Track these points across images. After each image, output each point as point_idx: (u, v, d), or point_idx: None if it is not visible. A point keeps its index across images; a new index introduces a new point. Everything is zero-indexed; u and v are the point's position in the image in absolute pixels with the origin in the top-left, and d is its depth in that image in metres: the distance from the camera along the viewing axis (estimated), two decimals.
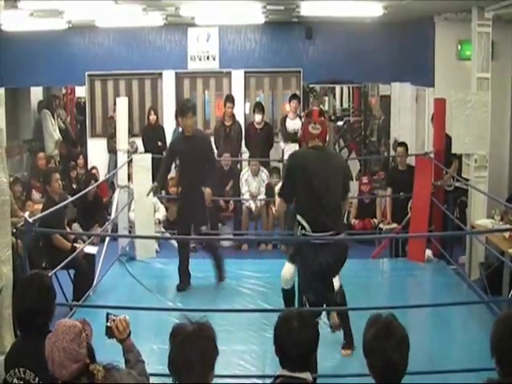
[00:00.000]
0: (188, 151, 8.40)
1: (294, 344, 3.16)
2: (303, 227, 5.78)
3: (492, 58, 9.38)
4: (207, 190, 8.50)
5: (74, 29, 12.26)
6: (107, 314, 3.70)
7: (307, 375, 3.21)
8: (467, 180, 9.28)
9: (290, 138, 11.75)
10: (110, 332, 3.64)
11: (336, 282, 6.05)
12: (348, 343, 6.43)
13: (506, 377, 3.11)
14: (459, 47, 11.27)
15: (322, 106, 16.40)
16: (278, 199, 6.03)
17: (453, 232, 9.60)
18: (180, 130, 8.91)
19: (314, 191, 5.66)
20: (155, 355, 6.00)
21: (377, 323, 3.06)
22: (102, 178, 12.25)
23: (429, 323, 7.25)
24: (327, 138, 5.88)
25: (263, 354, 6.45)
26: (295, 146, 11.46)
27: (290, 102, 12.09)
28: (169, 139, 12.01)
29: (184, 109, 8.58)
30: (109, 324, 3.64)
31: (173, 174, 11.81)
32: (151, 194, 8.90)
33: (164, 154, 11.93)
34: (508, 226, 8.20)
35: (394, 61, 12.86)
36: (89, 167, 12.68)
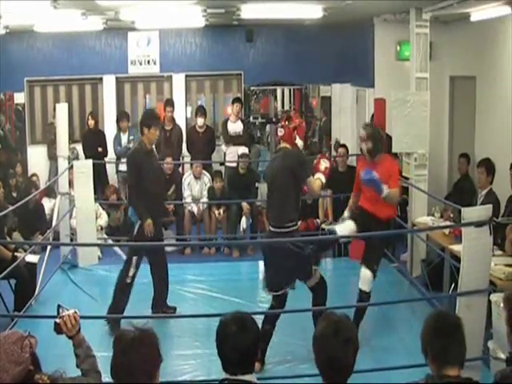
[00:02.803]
0: (154, 166, 7.70)
1: (232, 348, 3.15)
2: None
3: (430, 58, 9.55)
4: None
5: (12, 34, 12.03)
6: (58, 306, 3.66)
7: (251, 377, 3.21)
8: (408, 179, 9.41)
9: (232, 140, 11.76)
10: (58, 328, 3.60)
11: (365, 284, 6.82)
12: None
13: (438, 372, 3.20)
14: (398, 48, 11.44)
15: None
16: None
17: (394, 231, 9.69)
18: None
19: (267, 186, 6.61)
20: (99, 363, 5.92)
21: (326, 320, 3.09)
22: (42, 185, 12.04)
23: (372, 321, 7.30)
24: (296, 139, 6.42)
25: (208, 359, 6.42)
26: (237, 149, 11.50)
27: (232, 104, 12.10)
28: (110, 145, 11.91)
29: (154, 118, 7.71)
30: (57, 320, 3.60)
31: (112, 181, 11.76)
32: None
33: (105, 159, 11.91)
34: (448, 223, 8.34)
35: (334, 62, 12.97)
36: (29, 175, 12.47)
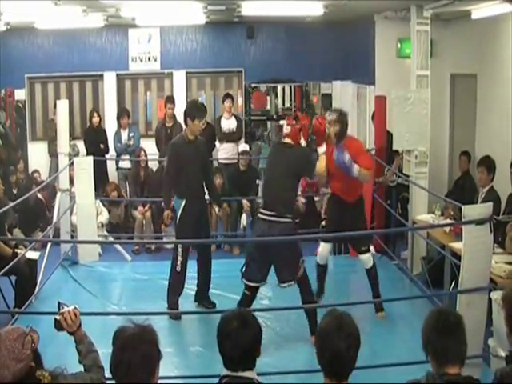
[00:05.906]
0: (194, 157, 7.64)
1: (233, 344, 3.15)
2: None
3: (431, 55, 9.54)
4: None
5: (13, 31, 12.05)
6: (58, 303, 3.65)
7: (252, 373, 3.21)
8: (408, 176, 9.40)
9: (225, 137, 11.73)
10: (58, 325, 3.59)
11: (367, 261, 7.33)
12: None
13: (438, 370, 3.21)
14: (399, 45, 11.43)
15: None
16: None
17: (395, 228, 9.70)
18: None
19: (266, 177, 6.88)
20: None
21: (329, 317, 3.11)
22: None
23: (372, 318, 7.31)
24: (300, 138, 6.59)
25: (210, 355, 6.41)
26: (230, 146, 11.50)
27: (223, 101, 12.05)
28: (111, 142, 11.90)
29: (199, 110, 7.72)
30: (57, 317, 3.58)
31: (112, 179, 11.71)
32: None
33: (106, 155, 11.89)
34: (448, 221, 8.33)
35: (335, 59, 12.98)
36: (30, 171, 12.47)
